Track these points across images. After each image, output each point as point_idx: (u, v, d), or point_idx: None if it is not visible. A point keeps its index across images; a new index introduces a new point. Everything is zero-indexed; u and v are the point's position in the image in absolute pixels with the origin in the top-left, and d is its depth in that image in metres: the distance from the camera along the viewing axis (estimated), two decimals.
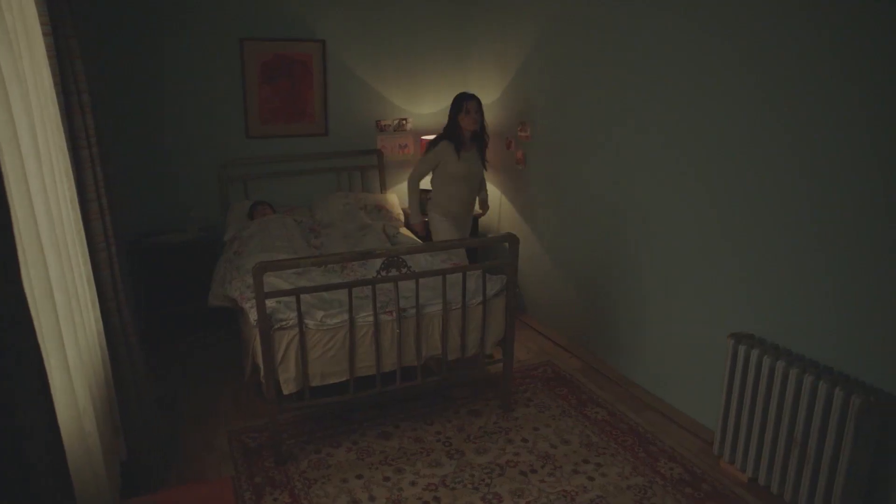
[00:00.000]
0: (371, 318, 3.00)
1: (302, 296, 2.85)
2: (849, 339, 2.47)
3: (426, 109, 5.07)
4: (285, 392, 2.95)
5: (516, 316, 4.45)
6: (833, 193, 2.46)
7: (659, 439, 3.18)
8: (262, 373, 2.88)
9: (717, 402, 2.93)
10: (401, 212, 4.76)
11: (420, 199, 4.25)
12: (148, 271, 4.11)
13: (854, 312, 2.44)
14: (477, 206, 4.46)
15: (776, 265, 2.71)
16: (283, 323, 2.87)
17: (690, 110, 3.05)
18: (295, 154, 4.67)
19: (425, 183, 4.26)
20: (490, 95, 4.83)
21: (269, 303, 2.86)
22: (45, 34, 2.10)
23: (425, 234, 4.29)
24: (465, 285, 3.12)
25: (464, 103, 3.94)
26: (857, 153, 2.36)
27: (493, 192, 4.96)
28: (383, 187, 4.93)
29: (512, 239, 3.17)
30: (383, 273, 2.97)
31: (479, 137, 4.08)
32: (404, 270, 2.98)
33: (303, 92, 4.63)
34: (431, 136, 4.83)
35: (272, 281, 3.25)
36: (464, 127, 3.96)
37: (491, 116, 4.87)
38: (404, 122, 5.01)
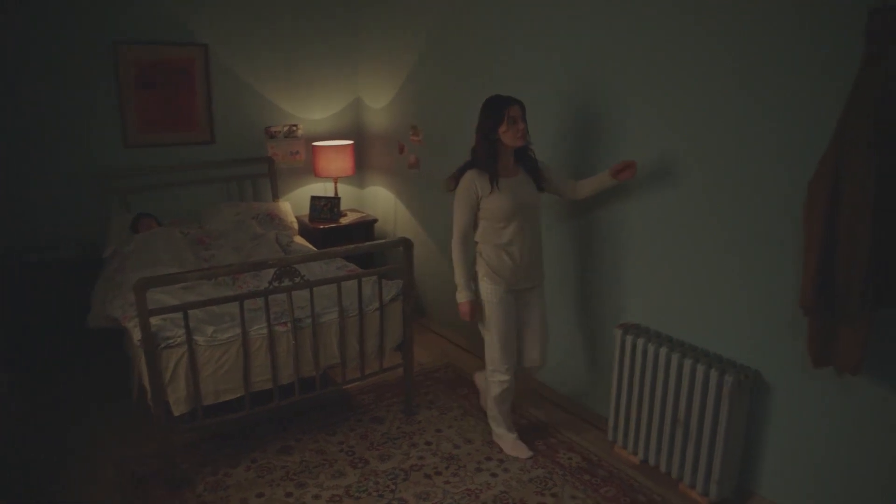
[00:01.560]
0: (265, 331, 2.91)
1: (190, 311, 2.72)
2: (722, 324, 2.67)
3: (317, 115, 4.99)
4: (176, 413, 2.80)
5: (416, 320, 4.48)
6: (708, 194, 2.64)
7: (558, 431, 3.29)
8: (149, 395, 2.72)
9: (609, 391, 3.07)
10: (294, 220, 4.65)
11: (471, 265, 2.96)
12: (20, 292, 3.78)
13: (725, 301, 2.64)
14: (591, 186, 2.94)
15: (658, 259, 2.88)
16: (171, 341, 2.73)
17: (577, 109, 3.18)
18: (179, 163, 4.45)
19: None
20: (381, 100, 4.83)
21: (155, 320, 2.71)
22: None
23: (471, 316, 2.95)
24: (361, 292, 3.09)
25: (506, 111, 2.71)
26: (732, 162, 2.55)
27: (388, 197, 4.96)
28: (275, 195, 4.80)
29: (406, 243, 3.18)
30: (276, 283, 2.89)
31: (523, 151, 2.88)
32: (297, 280, 2.92)
33: (185, 98, 4.43)
34: (326, 143, 4.79)
35: (158, 297, 3.08)
36: (507, 143, 2.75)
37: (383, 121, 4.87)
38: (295, 128, 4.90)
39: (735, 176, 2.52)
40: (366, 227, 4.85)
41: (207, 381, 2.83)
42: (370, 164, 5.18)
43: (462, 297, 2.91)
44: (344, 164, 4.78)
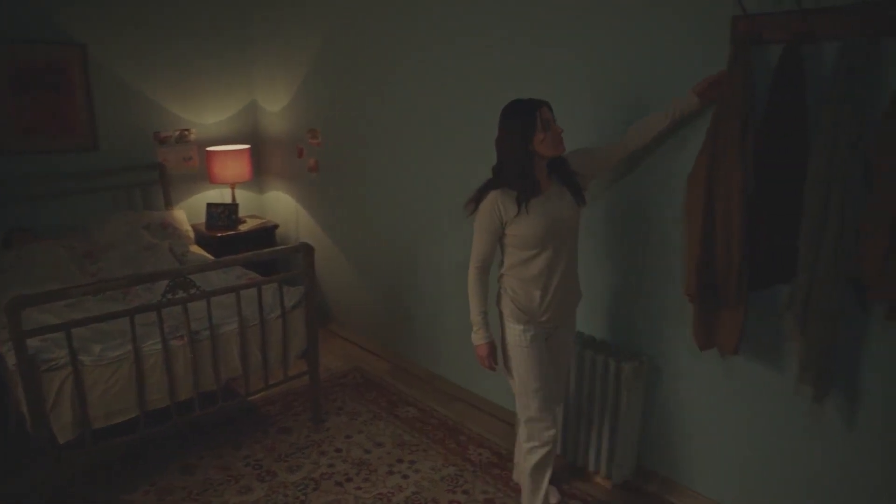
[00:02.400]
0: (159, 346, 2.76)
1: (75, 329, 2.55)
2: (616, 315, 2.79)
3: (210, 119, 4.79)
4: (61, 440, 2.60)
5: (321, 325, 4.42)
6: (593, 192, 2.76)
7: (467, 428, 3.33)
8: (28, 423, 2.52)
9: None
10: (189, 228, 4.45)
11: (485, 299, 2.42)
12: None
13: (618, 293, 2.76)
14: (639, 139, 2.43)
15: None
16: (53, 363, 2.54)
17: (475, 110, 3.23)
18: (59, 172, 4.14)
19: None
20: (278, 103, 4.71)
21: (33, 342, 2.51)
22: None
23: (491, 362, 2.42)
24: (262, 300, 3.00)
25: (538, 113, 2.17)
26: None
27: (288, 201, 4.85)
28: (169, 204, 4.57)
29: (306, 248, 3.12)
30: (169, 296, 2.76)
31: (558, 159, 2.29)
32: (193, 291, 2.79)
33: (64, 102, 4.13)
34: (221, 148, 4.61)
35: (38, 317, 2.87)
36: (542, 153, 2.20)
37: (281, 124, 4.76)
38: (187, 132, 4.69)
39: (619, 171, 2.65)
40: (266, 234, 4.72)
41: (97, 404, 2.65)
42: (269, 169, 5.04)
43: (479, 338, 2.38)
44: (240, 169, 4.63)
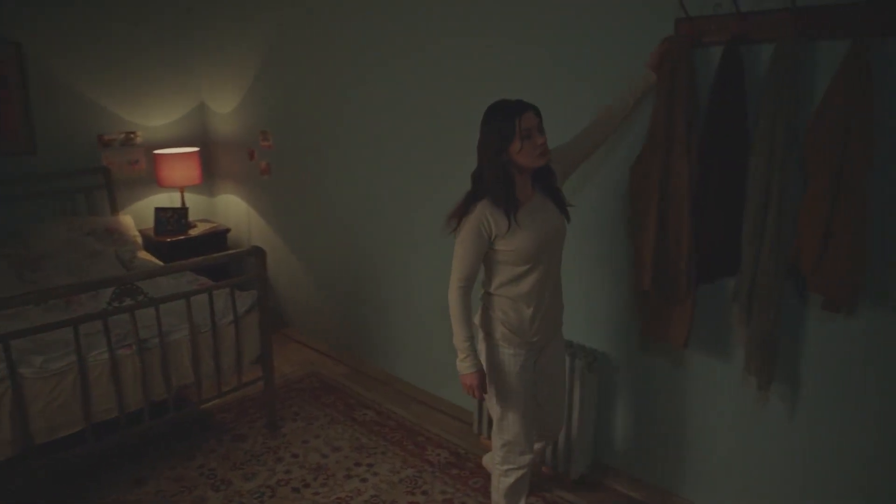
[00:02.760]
0: (106, 356, 2.68)
1: (13, 341, 2.45)
2: (570, 312, 2.83)
3: (157, 121, 4.67)
4: (0, 458, 2.50)
5: (276, 330, 4.35)
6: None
7: (426, 429, 3.33)
8: None
9: None
10: (137, 234, 4.32)
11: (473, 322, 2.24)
12: None
13: (571, 290, 2.80)
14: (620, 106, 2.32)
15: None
16: None
17: (435, 111, 3.23)
18: None
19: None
20: (228, 104, 4.62)
21: None
22: None
23: (480, 393, 2.21)
24: (213, 305, 2.94)
25: (518, 120, 2.00)
26: None
27: (240, 205, 4.77)
28: (115, 209, 4.44)
29: (258, 252, 3.07)
30: (115, 304, 2.67)
31: (543, 169, 2.14)
32: (140, 298, 2.72)
33: None
34: (169, 151, 4.50)
35: None
36: (525, 164, 2.05)
37: (231, 127, 4.67)
38: (133, 135, 4.56)
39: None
40: (218, 238, 4.62)
41: (39, 418, 2.55)
42: (220, 172, 4.94)
43: (466, 367, 2.15)
44: (190, 172, 4.52)
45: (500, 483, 2.35)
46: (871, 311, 2.03)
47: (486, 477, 2.90)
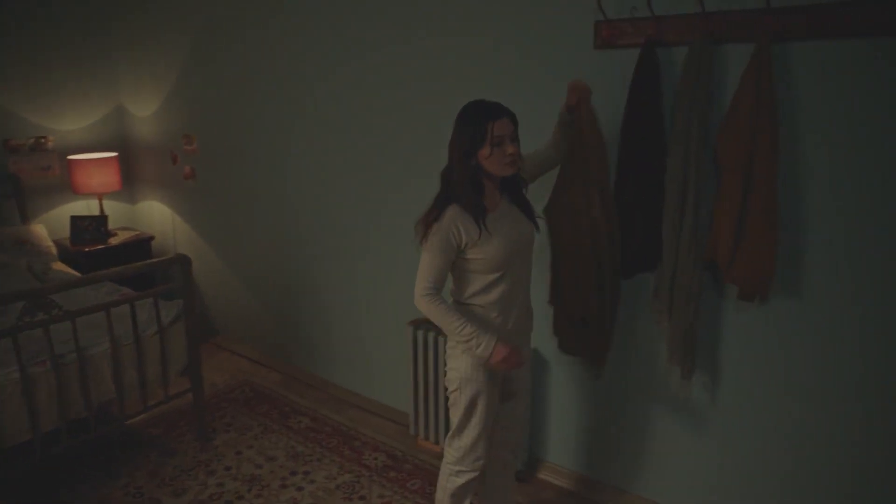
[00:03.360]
0: (17, 375, 2.53)
1: None
2: None
3: (71, 125, 4.44)
4: None
5: (205, 340, 4.22)
6: None
7: (362, 433, 3.30)
8: None
9: (408, 387, 3.14)
10: (51, 244, 4.10)
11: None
12: None
13: None
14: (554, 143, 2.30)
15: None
16: None
17: (364, 112, 3.20)
18: None
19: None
20: (148, 107, 4.45)
21: None
22: None
23: (518, 356, 2.04)
24: (136, 317, 2.82)
25: (491, 125, 1.92)
26: None
27: (164, 211, 4.60)
28: (25, 218, 4.19)
29: (182, 259, 2.97)
30: (27, 319, 2.53)
31: (512, 179, 2.09)
32: (55, 312, 2.58)
33: None
34: (84, 156, 4.29)
35: None
36: (492, 172, 1.99)
37: (152, 130, 4.50)
38: (44, 140, 4.32)
39: None
40: (141, 247, 4.43)
41: None
42: (141, 178, 4.75)
43: (486, 344, 1.97)
44: (108, 178, 4.32)
45: (449, 482, 2.27)
46: (782, 299, 2.15)
47: (425, 478, 2.91)
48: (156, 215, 4.69)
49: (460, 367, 2.11)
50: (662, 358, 2.44)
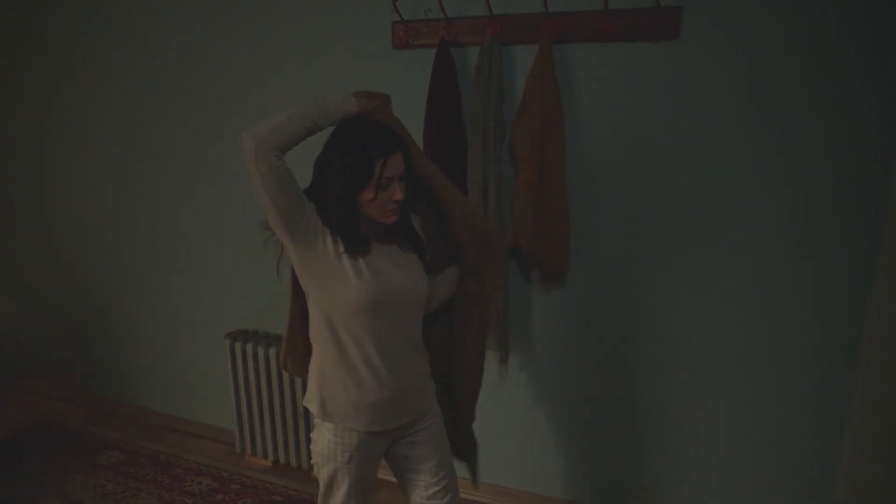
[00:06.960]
0: None
1: None
2: None
3: None
4: None
5: None
6: None
7: (183, 459, 3.08)
8: None
9: (230, 403, 2.98)
10: None
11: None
12: None
13: None
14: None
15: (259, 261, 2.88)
16: None
17: (147, 101, 2.98)
18: None
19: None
20: None
21: None
22: None
23: (372, 94, 1.65)
24: None
25: (377, 165, 1.52)
26: None
27: None
28: None
29: None
30: None
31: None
32: None
33: None
34: None
35: None
36: (372, 216, 1.60)
37: None
38: None
39: None
40: None
41: None
42: None
43: (339, 96, 1.56)
44: None
45: None
46: (580, 282, 2.35)
47: (255, 496, 2.78)
48: None
49: (319, 442, 1.75)
50: None
